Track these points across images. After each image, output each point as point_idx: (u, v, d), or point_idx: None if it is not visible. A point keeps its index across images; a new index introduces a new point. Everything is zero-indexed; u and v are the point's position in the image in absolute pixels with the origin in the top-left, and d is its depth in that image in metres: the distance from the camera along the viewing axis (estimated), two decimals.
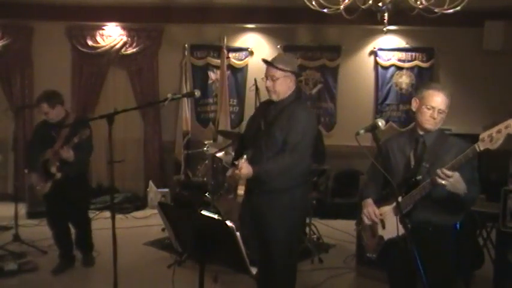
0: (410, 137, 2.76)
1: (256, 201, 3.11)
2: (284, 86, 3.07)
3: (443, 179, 2.35)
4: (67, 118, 4.44)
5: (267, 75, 3.07)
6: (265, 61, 3.14)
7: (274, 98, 3.09)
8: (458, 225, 2.76)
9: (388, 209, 2.72)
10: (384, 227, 2.75)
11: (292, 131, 2.99)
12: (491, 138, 2.22)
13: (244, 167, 2.94)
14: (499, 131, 2.20)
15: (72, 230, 4.67)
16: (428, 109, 2.60)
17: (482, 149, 2.27)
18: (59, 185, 4.31)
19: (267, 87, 3.09)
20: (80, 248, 4.72)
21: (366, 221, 2.79)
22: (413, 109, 2.70)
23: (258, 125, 3.15)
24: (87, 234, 4.70)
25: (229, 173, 3.22)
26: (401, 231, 2.54)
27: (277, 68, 3.04)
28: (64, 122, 4.39)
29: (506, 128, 2.18)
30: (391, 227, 2.65)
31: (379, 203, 2.78)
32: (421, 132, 2.68)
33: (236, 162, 3.00)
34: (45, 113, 4.37)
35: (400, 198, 2.57)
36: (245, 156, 2.95)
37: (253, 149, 3.06)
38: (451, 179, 2.34)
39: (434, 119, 2.60)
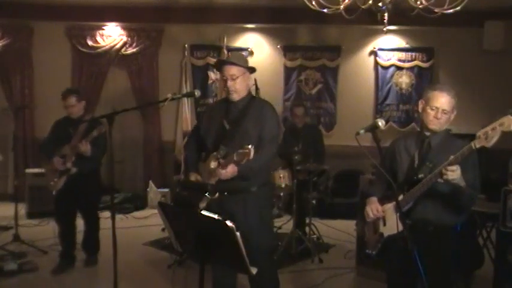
0: (416, 138, 2.78)
1: (228, 202, 3.06)
2: (243, 84, 3.12)
3: (450, 174, 2.36)
4: (85, 116, 4.56)
5: (226, 76, 3.09)
6: (222, 61, 3.20)
7: (235, 97, 3.12)
8: (459, 227, 2.75)
9: (389, 206, 2.75)
10: (384, 224, 2.78)
11: (267, 125, 3.07)
12: (486, 136, 2.24)
13: (230, 167, 2.90)
14: (493, 129, 2.22)
15: (79, 229, 4.69)
16: (432, 109, 2.62)
17: (478, 146, 2.29)
18: (72, 181, 4.38)
19: (228, 87, 3.10)
20: (86, 249, 4.73)
21: (368, 217, 2.82)
22: (420, 110, 2.73)
23: (221, 124, 3.16)
24: (95, 234, 4.71)
25: (194, 177, 3.18)
26: (401, 227, 2.55)
27: (237, 64, 3.08)
28: (81, 120, 4.47)
29: (500, 125, 2.20)
30: (391, 224, 2.68)
31: (382, 201, 2.81)
32: (427, 133, 2.70)
33: (222, 161, 2.95)
34: (71, 106, 4.45)
35: (401, 196, 2.59)
36: (251, 147, 2.82)
37: (226, 148, 3.04)
38: (458, 171, 2.36)
39: (438, 119, 2.62)
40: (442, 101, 2.60)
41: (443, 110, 2.61)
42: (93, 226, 4.69)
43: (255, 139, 3.03)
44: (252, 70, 3.24)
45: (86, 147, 4.22)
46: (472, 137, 2.34)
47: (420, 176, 2.58)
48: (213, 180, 3.02)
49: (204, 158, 3.21)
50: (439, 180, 2.42)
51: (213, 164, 3.07)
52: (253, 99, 3.21)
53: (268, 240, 3.30)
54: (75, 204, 4.57)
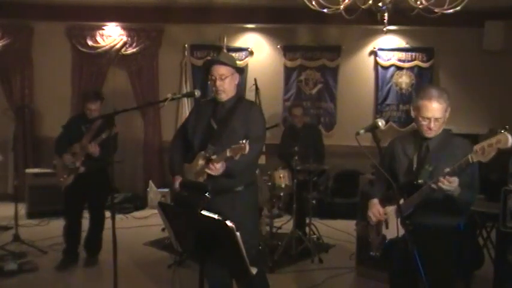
0: (414, 140, 2.77)
1: (216, 203, 2.95)
2: (232, 85, 3.13)
3: (446, 185, 2.35)
4: (98, 117, 4.56)
5: (215, 75, 3.08)
6: (211, 61, 3.18)
7: (223, 97, 3.11)
8: (462, 227, 2.75)
9: (391, 209, 2.75)
10: (387, 226, 2.77)
11: (254, 125, 3.07)
12: (483, 151, 2.24)
13: (220, 164, 2.89)
14: (490, 145, 2.22)
15: (83, 228, 4.71)
16: (425, 120, 2.60)
17: (475, 160, 2.28)
18: (81, 179, 4.44)
19: (216, 87, 3.09)
20: (88, 248, 4.73)
21: (372, 221, 2.82)
22: (413, 116, 2.71)
23: (208, 124, 3.15)
24: (99, 234, 4.72)
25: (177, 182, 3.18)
26: (402, 231, 2.55)
27: (226, 64, 3.07)
28: (95, 121, 4.49)
29: (497, 143, 2.20)
30: (394, 227, 2.67)
31: (383, 202, 2.81)
32: (425, 136, 2.68)
33: (214, 157, 2.93)
34: (96, 110, 4.53)
35: (401, 201, 2.58)
36: (246, 142, 2.81)
37: (214, 147, 3.03)
38: (454, 184, 2.36)
39: (431, 128, 2.61)
40: (433, 109, 2.56)
41: (435, 118, 2.58)
42: (98, 225, 4.71)
43: (242, 138, 2.95)
44: (241, 70, 3.23)
45: (94, 149, 4.30)
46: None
47: (420, 181, 2.57)
48: (200, 179, 3.00)
49: (190, 159, 3.19)
50: (433, 186, 2.41)
51: (200, 163, 3.05)
52: (240, 100, 3.21)
53: (257, 241, 3.34)
54: (83, 202, 4.66)
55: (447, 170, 2.36)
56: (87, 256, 4.72)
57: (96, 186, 4.54)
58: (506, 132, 2.18)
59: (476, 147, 2.26)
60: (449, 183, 2.34)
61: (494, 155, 2.22)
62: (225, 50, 7.09)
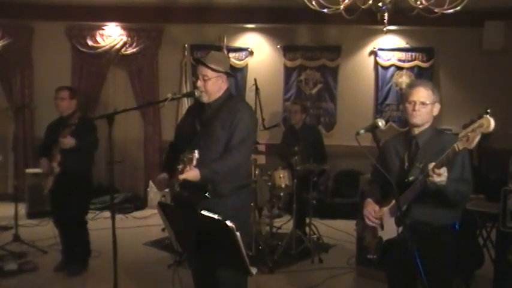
0: (404, 139, 2.78)
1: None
2: (215, 87, 2.99)
3: (436, 178, 2.34)
4: (74, 115, 4.46)
5: (199, 74, 2.99)
6: (197, 60, 3.08)
7: (205, 99, 3.00)
8: (457, 226, 2.75)
9: (385, 210, 2.73)
10: (382, 228, 2.77)
11: (237, 128, 2.91)
12: (467, 138, 2.23)
13: (191, 170, 2.79)
14: (473, 130, 2.20)
15: None
16: (410, 103, 2.64)
17: (461, 148, 2.27)
18: (62, 182, 4.32)
19: (197, 87, 3.00)
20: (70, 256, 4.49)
21: (367, 221, 2.81)
22: (402, 110, 2.75)
23: (193, 127, 3.06)
24: (80, 238, 4.50)
25: (160, 177, 3.12)
26: (400, 230, 2.55)
27: (209, 67, 2.95)
28: (71, 118, 4.41)
29: (479, 127, 2.18)
30: (389, 228, 2.68)
31: (378, 204, 2.80)
32: (414, 133, 2.70)
33: (179, 167, 2.87)
34: (62, 99, 4.39)
35: (394, 202, 2.58)
36: (195, 153, 2.78)
37: (190, 150, 2.90)
38: (445, 174, 2.34)
39: (416, 111, 2.62)
40: (417, 94, 2.62)
41: (420, 102, 2.61)
42: (78, 228, 4.49)
43: (222, 142, 2.91)
44: (229, 75, 3.07)
45: (67, 140, 4.15)
46: None
47: (411, 178, 2.57)
48: (175, 181, 2.92)
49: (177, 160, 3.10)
50: (427, 181, 2.40)
51: (179, 167, 2.97)
52: (229, 100, 3.03)
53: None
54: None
55: (432, 164, 2.35)
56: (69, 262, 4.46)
57: (76, 188, 4.35)
58: (488, 116, 2.16)
59: (461, 135, 2.26)
60: (439, 175, 2.33)
61: (479, 141, 2.20)
62: (225, 50, 7.09)
